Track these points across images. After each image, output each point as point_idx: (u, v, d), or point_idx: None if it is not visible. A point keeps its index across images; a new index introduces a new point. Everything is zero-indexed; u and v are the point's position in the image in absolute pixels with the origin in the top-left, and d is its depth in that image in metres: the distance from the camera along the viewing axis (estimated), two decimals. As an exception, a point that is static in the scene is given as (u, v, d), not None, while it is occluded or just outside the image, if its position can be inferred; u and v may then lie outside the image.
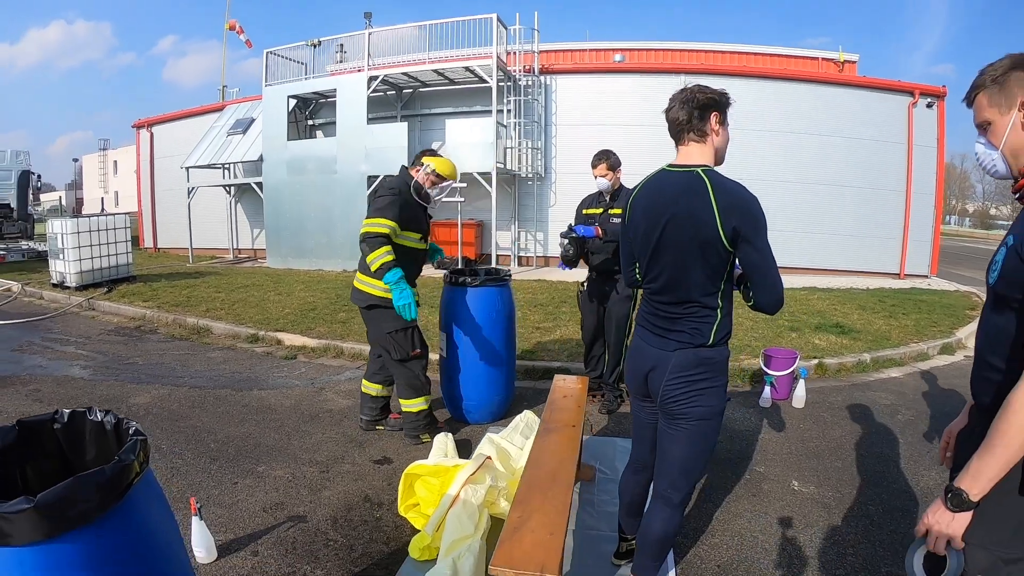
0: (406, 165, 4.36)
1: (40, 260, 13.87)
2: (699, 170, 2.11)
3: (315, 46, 14.52)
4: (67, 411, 1.71)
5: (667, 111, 2.24)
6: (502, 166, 13.23)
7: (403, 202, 3.99)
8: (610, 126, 13.26)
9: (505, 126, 13.69)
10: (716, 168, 2.20)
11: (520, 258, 14.60)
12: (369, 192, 3.46)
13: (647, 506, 2.49)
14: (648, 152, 13.58)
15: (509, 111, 13.74)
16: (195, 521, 2.90)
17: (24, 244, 15.79)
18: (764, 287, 2.09)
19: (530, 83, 13.99)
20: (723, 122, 2.21)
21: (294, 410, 5.07)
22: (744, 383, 5.83)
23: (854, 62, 16.76)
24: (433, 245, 4.59)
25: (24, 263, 14.26)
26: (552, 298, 9.52)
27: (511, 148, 13.81)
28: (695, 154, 2.20)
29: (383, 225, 3.87)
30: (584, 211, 4.96)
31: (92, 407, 1.78)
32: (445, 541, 2.75)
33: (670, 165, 2.23)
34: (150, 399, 5.34)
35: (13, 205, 17.45)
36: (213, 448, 4.32)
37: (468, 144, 12.85)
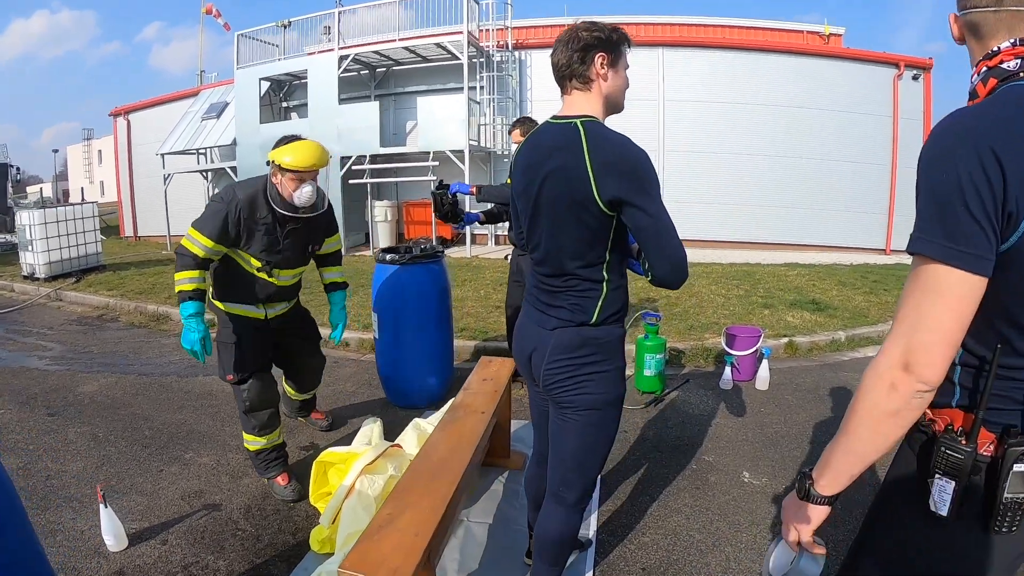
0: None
1: (15, 252, 13.71)
2: (577, 121, 1.84)
3: (285, 27, 14.26)
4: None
5: (551, 55, 1.99)
6: (476, 143, 13.01)
7: (230, 214, 3.05)
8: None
9: (478, 103, 13.44)
10: (606, 119, 1.95)
11: (497, 237, 14.39)
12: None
13: (543, 505, 2.25)
14: (624, 128, 13.33)
15: (482, 88, 13.48)
16: (103, 510, 2.87)
17: (2, 237, 15.58)
18: (658, 255, 1.76)
19: (504, 59, 13.72)
20: (614, 64, 1.91)
21: (234, 396, 4.93)
22: (707, 363, 5.63)
23: (840, 35, 16.47)
24: (334, 299, 3.81)
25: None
26: (523, 278, 9.35)
27: (485, 125, 13.59)
28: (579, 103, 1.91)
29: (194, 241, 3.03)
30: (507, 179, 4.78)
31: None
32: (341, 534, 2.59)
33: (553, 116, 1.96)
34: (96, 388, 5.22)
35: None
36: (147, 435, 4.23)
37: (441, 121, 12.61)
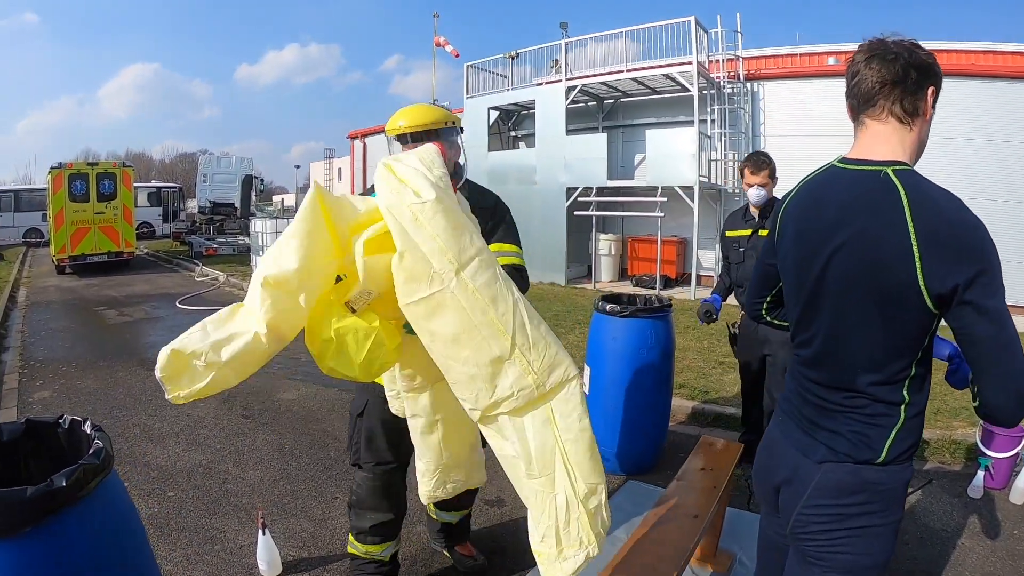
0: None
1: (250, 254, 15.30)
2: (889, 170, 1.30)
3: (513, 58, 14.62)
4: (69, 417, 1.71)
5: (852, 65, 1.38)
6: (706, 180, 12.26)
7: None
8: (825, 136, 11.49)
9: (709, 137, 12.72)
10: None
11: (725, 279, 13.46)
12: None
13: None
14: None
15: (713, 121, 12.75)
16: (260, 536, 2.79)
17: (241, 239, 17.60)
18: (997, 378, 1.22)
19: (735, 90, 12.85)
20: (934, 106, 1.37)
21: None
22: (954, 460, 4.35)
23: None
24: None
25: (234, 256, 15.90)
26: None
27: (716, 160, 12.82)
28: (891, 141, 1.35)
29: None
30: (727, 233, 4.05)
31: (87, 419, 1.68)
32: None
33: (843, 159, 1.42)
34: (295, 396, 5.37)
35: (237, 205, 19.77)
36: (331, 456, 4.18)
37: (670, 155, 12.06)
